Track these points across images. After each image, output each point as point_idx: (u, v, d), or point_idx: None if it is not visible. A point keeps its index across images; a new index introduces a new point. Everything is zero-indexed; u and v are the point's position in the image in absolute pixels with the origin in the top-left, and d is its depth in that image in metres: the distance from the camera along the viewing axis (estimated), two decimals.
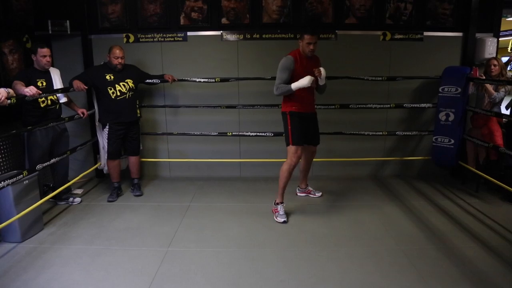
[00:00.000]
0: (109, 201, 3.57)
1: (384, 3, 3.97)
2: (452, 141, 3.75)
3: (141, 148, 3.93)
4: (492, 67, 3.59)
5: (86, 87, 3.43)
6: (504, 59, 5.48)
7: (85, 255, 2.59)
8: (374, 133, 4.06)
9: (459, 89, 3.67)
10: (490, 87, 3.55)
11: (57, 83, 3.31)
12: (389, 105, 4.01)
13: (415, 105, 4.01)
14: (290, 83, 3.01)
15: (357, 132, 4.07)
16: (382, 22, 4.02)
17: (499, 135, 3.61)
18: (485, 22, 3.98)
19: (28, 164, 3.19)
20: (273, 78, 3.73)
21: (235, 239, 2.82)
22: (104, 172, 3.94)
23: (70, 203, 3.51)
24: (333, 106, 3.93)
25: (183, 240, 2.81)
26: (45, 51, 3.14)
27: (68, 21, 3.85)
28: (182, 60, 4.06)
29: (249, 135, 4.06)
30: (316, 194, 3.66)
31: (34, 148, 3.20)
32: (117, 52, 3.43)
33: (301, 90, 3.03)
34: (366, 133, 4.06)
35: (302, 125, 3.13)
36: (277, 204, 3.19)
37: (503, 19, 4.32)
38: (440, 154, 3.87)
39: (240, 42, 4.03)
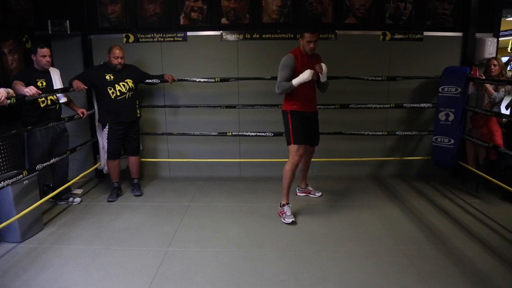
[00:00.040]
0: (109, 201, 3.57)
1: (384, 3, 3.97)
2: (452, 141, 3.75)
3: (141, 148, 3.93)
4: (492, 67, 3.59)
5: (86, 87, 3.43)
6: (504, 59, 5.47)
7: (85, 255, 2.59)
8: (374, 133, 4.06)
9: (459, 89, 3.67)
10: (490, 87, 3.55)
11: (57, 83, 3.31)
12: (389, 105, 4.01)
13: (415, 105, 4.01)
14: None
15: (357, 132, 4.07)
16: (382, 22, 4.02)
17: (499, 135, 3.61)
18: (485, 22, 3.98)
19: (28, 164, 3.19)
20: (273, 78, 3.75)
21: (235, 239, 2.82)
22: (104, 172, 3.94)
23: (70, 203, 3.51)
24: (333, 106, 3.93)
25: (183, 240, 2.81)
26: (45, 51, 3.14)
27: (68, 21, 3.85)
28: (182, 60, 4.06)
29: (249, 135, 4.06)
30: (316, 194, 3.66)
31: (34, 148, 3.20)
32: (117, 52, 3.43)
33: (302, 88, 3.03)
34: (366, 133, 4.06)
35: (303, 124, 3.12)
36: (283, 205, 3.15)
37: (503, 19, 4.32)
38: (440, 154, 3.87)
39: (240, 42, 4.03)
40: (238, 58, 4.06)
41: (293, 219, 3.04)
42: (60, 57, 3.96)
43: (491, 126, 3.62)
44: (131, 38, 4.03)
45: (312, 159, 3.61)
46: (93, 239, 2.84)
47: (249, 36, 4.01)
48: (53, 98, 3.27)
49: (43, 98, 3.15)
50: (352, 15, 4.00)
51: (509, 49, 8.55)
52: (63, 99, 3.41)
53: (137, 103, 3.82)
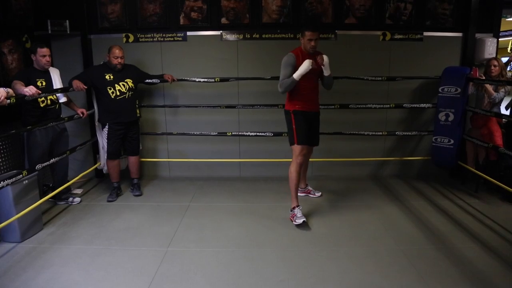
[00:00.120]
0: (108, 201, 3.56)
1: (384, 3, 3.97)
2: (452, 141, 3.76)
3: (140, 148, 3.92)
4: (492, 67, 3.59)
5: (86, 87, 3.43)
6: (504, 59, 5.47)
7: (85, 255, 2.59)
8: (374, 133, 4.06)
9: (459, 89, 3.67)
10: (489, 87, 3.55)
11: (57, 83, 3.31)
12: (389, 105, 4.01)
13: (415, 105, 4.01)
14: None
15: (357, 132, 4.07)
16: (382, 22, 4.02)
17: (499, 135, 3.61)
18: (485, 22, 3.98)
19: (28, 164, 3.19)
20: (273, 78, 3.76)
21: (235, 239, 2.82)
22: (104, 172, 3.94)
23: (70, 203, 3.51)
24: (333, 106, 3.93)
25: (183, 240, 2.81)
26: (44, 51, 3.14)
27: (67, 21, 3.84)
28: (182, 60, 4.06)
29: (248, 135, 4.05)
30: (315, 194, 3.65)
31: (34, 148, 3.20)
32: (117, 52, 3.43)
33: (304, 87, 3.01)
34: (366, 133, 4.06)
35: (306, 124, 3.10)
36: (293, 208, 3.06)
37: (503, 19, 4.33)
38: (440, 154, 3.87)
39: (239, 42, 4.03)
40: (238, 58, 4.06)
41: (304, 219, 2.96)
42: (59, 57, 3.96)
43: (491, 126, 3.62)
44: (131, 38, 4.03)
45: (312, 159, 3.61)
46: (93, 239, 2.83)
47: (249, 36, 4.01)
48: (52, 98, 3.27)
49: (42, 98, 3.15)
50: (352, 15, 4.00)
51: (509, 49, 8.55)
52: (62, 99, 3.41)
53: (137, 103, 3.82)
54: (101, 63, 3.68)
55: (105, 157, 3.67)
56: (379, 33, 4.02)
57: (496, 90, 3.55)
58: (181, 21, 4.00)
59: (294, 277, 2.32)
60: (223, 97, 4.08)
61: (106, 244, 2.75)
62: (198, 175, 4.30)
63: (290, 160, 3.15)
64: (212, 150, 4.25)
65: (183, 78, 3.91)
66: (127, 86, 3.54)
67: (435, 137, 3.89)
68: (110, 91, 3.47)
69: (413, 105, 4.02)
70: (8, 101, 2.53)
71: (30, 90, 2.76)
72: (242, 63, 4.07)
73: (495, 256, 2.54)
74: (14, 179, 2.59)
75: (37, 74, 3.19)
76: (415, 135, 4.16)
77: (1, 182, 2.46)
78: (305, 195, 3.66)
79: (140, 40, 4.03)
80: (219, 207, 3.45)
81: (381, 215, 3.23)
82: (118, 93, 3.49)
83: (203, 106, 4.06)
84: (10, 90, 2.65)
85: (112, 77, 3.47)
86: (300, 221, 2.96)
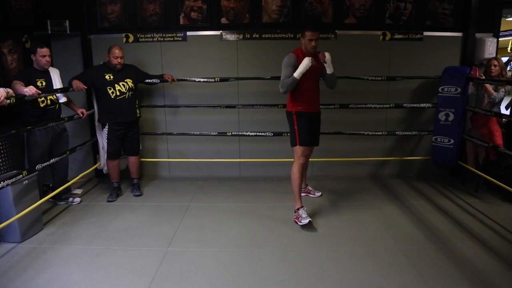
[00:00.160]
0: (108, 201, 3.56)
1: (384, 3, 3.97)
2: (452, 141, 3.76)
3: (140, 148, 3.92)
4: (493, 67, 3.59)
5: (86, 87, 3.43)
6: (504, 59, 5.47)
7: (85, 255, 2.59)
8: (373, 133, 4.06)
9: (459, 89, 3.67)
10: (489, 87, 3.55)
11: (57, 83, 3.31)
12: (388, 105, 4.01)
13: (415, 105, 4.01)
14: None
15: (357, 132, 4.07)
16: (381, 22, 4.02)
17: (499, 135, 3.61)
18: (485, 22, 3.98)
19: (28, 164, 3.19)
20: (273, 78, 3.76)
21: (235, 239, 2.82)
22: (104, 172, 3.94)
23: (70, 203, 3.51)
24: (333, 106, 3.93)
25: (183, 240, 2.81)
26: (44, 51, 3.14)
27: (67, 21, 3.85)
28: (182, 60, 4.06)
29: (248, 135, 4.05)
30: (315, 193, 3.65)
31: (34, 148, 3.20)
32: (117, 52, 3.43)
33: (306, 88, 3.00)
34: (366, 133, 4.06)
35: (308, 125, 3.08)
36: (298, 209, 3.05)
37: (503, 19, 4.32)
38: (440, 154, 3.87)
39: (239, 42, 4.03)
40: (238, 58, 4.06)
41: (310, 219, 2.94)
42: (59, 57, 3.96)
43: (491, 126, 3.62)
44: (131, 38, 4.03)
45: (312, 159, 3.61)
46: (93, 239, 2.83)
47: (249, 36, 4.01)
48: (52, 98, 3.27)
49: (42, 98, 3.15)
50: (352, 15, 4.00)
51: (509, 49, 8.55)
52: (62, 99, 3.41)
53: (137, 103, 3.82)
54: (101, 63, 3.68)
55: (105, 157, 3.67)
56: (379, 33, 4.02)
57: (496, 90, 3.55)
58: (181, 21, 4.00)
59: (294, 277, 2.32)
60: (223, 97, 4.08)
61: (106, 244, 2.75)
62: (198, 175, 4.30)
63: (290, 160, 3.15)
64: (212, 150, 4.25)
65: (183, 78, 3.91)
66: (127, 86, 3.54)
67: (435, 137, 3.89)
68: (110, 91, 3.47)
69: (413, 105, 4.02)
70: (8, 101, 2.53)
71: (30, 90, 2.76)
72: (242, 63, 4.06)
73: (495, 256, 2.54)
74: (14, 179, 2.59)
75: (37, 74, 3.19)
76: (415, 135, 4.16)
77: (1, 182, 2.46)
78: (305, 195, 3.65)
79: (140, 40, 4.03)
80: (219, 207, 3.45)
81: (381, 215, 3.23)
82: (118, 93, 3.49)
83: (203, 106, 4.06)
84: (10, 90, 2.65)
85: (112, 77, 3.47)
86: (305, 221, 2.94)
